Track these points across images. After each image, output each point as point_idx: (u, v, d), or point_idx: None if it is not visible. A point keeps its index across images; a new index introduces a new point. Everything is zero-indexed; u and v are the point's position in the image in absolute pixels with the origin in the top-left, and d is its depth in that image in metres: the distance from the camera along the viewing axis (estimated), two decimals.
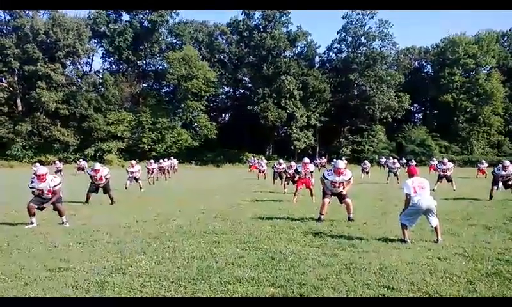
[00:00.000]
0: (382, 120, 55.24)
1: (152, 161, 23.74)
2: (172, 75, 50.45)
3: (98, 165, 12.71)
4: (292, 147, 52.17)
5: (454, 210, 10.18)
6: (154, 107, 52.67)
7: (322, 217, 8.68)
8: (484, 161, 28.96)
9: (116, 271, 5.09)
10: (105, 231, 7.67)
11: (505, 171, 12.61)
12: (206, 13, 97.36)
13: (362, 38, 54.23)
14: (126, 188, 16.54)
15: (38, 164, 25.10)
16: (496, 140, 55.51)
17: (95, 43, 56.22)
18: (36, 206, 8.31)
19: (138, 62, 57.83)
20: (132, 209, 10.94)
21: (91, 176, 12.54)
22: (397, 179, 20.96)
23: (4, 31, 50.17)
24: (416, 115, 66.22)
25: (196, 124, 54.33)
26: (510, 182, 12.68)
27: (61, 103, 48.74)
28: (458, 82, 53.62)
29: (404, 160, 33.41)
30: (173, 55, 51.02)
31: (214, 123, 54.35)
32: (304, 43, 56.55)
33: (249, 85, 58.81)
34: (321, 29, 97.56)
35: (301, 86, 51.86)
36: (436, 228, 6.61)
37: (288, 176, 15.20)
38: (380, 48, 54.47)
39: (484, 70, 55.58)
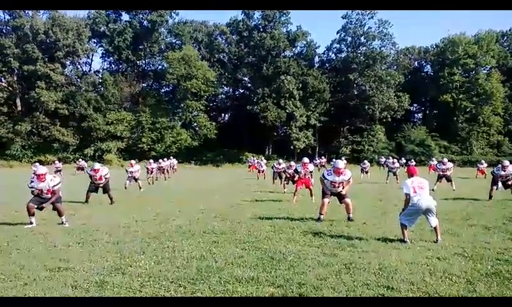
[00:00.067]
0: (382, 120, 55.26)
1: (152, 161, 23.74)
2: (172, 74, 50.44)
3: (97, 165, 12.71)
4: (292, 147, 52.18)
5: (454, 210, 10.19)
6: (154, 106, 52.67)
7: (321, 217, 8.68)
8: (483, 161, 28.99)
9: (115, 271, 5.08)
10: (104, 231, 7.67)
11: (504, 171, 12.61)
12: (206, 13, 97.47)
13: (362, 38, 54.24)
14: (125, 188, 16.53)
15: (37, 163, 25.10)
16: (496, 140, 55.54)
17: (94, 43, 56.26)
18: (36, 206, 8.30)
19: (138, 62, 57.83)
20: (132, 209, 10.93)
21: (90, 176, 12.54)
22: (397, 179, 20.97)
23: (3, 30, 50.14)
24: (415, 115, 66.31)
25: (195, 124, 54.34)
26: (509, 182, 12.68)
27: (61, 103, 48.73)
28: (458, 82, 53.65)
29: (404, 160, 33.40)
30: (173, 55, 51.01)
31: (214, 123, 54.34)
32: (304, 43, 56.57)
33: (249, 85, 58.83)
34: (321, 29, 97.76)
35: (300, 85, 51.86)
36: (435, 228, 6.61)
37: (288, 176, 15.20)
38: (380, 48, 54.50)
39: (484, 70, 55.61)
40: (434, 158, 35.25)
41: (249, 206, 11.55)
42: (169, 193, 15.87)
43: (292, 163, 15.49)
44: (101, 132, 50.22)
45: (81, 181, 18.77)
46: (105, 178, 12.40)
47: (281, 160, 20.24)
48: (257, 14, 54.25)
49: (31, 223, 8.23)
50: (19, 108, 50.35)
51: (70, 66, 54.38)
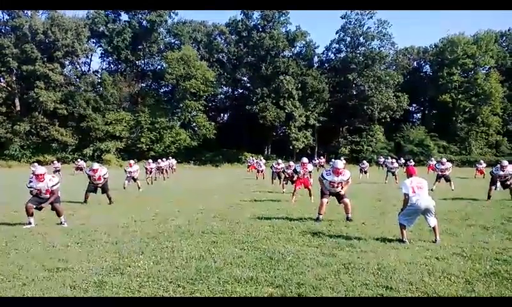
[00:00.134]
0: (380, 120, 55.29)
1: (151, 161, 23.71)
2: (171, 74, 50.39)
3: (96, 165, 12.69)
4: (291, 147, 52.20)
5: (453, 210, 10.20)
6: (153, 106, 52.63)
7: (320, 217, 8.69)
8: (482, 161, 29.03)
9: (114, 271, 5.08)
10: (103, 231, 7.67)
11: (503, 171, 12.61)
12: (205, 13, 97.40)
13: (361, 38, 54.27)
14: (124, 188, 16.53)
15: (36, 164, 25.04)
16: (495, 140, 55.60)
17: (93, 42, 56.20)
18: (34, 206, 8.29)
19: (137, 62, 57.78)
20: (131, 209, 10.93)
21: (89, 176, 12.52)
22: (396, 179, 20.99)
23: (2, 30, 50.04)
24: (414, 115, 66.42)
25: (194, 124, 54.30)
26: (508, 182, 12.68)
27: (60, 103, 48.68)
28: (457, 82, 53.72)
29: (403, 160, 33.44)
30: (172, 55, 50.98)
31: (213, 123, 54.31)
32: (303, 43, 56.58)
33: (248, 85, 58.84)
34: (320, 29, 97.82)
35: (299, 85, 51.88)
36: (434, 228, 6.62)
37: (287, 176, 15.19)
38: (379, 48, 54.55)
39: (483, 70, 55.71)
40: (433, 158, 35.30)
41: (248, 206, 11.55)
42: (168, 193, 15.87)
43: (291, 163, 15.49)
44: (100, 132, 50.17)
45: (80, 181, 18.78)
46: (104, 178, 12.39)
47: (280, 160, 20.25)
48: (256, 14, 54.30)
49: (30, 223, 8.21)
50: (18, 108, 50.29)
51: (69, 66, 54.32)
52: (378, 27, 53.73)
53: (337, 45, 56.65)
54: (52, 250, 6.28)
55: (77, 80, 53.89)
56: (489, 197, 12.54)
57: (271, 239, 6.91)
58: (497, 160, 20.92)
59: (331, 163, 14.89)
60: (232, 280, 4.67)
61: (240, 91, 62.42)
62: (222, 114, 66.92)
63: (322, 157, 43.89)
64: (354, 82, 56.27)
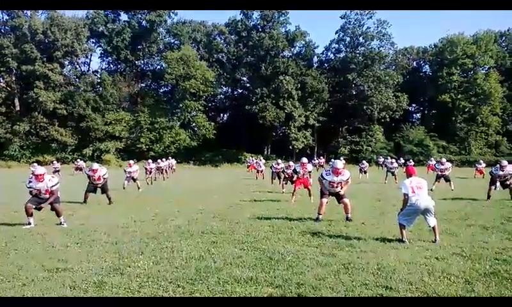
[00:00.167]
0: (380, 120, 55.30)
1: (150, 161, 23.69)
2: (170, 75, 50.37)
3: (96, 165, 12.68)
4: (290, 147, 52.21)
5: (452, 210, 10.20)
6: (152, 107, 52.61)
7: (320, 217, 8.69)
8: (481, 161, 29.05)
9: (114, 271, 5.08)
10: (103, 231, 7.66)
11: (502, 171, 12.62)
12: (204, 13, 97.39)
13: (360, 38, 54.28)
14: (124, 188, 16.52)
15: (35, 164, 25.03)
16: (494, 140, 55.60)
17: (93, 42, 56.18)
18: (34, 207, 8.28)
19: (136, 62, 57.74)
20: (130, 209, 10.92)
21: (89, 176, 12.52)
22: (395, 179, 20.99)
23: (2, 30, 50.04)
24: (414, 115, 66.41)
25: (194, 124, 54.29)
26: (507, 182, 12.69)
27: (59, 103, 48.65)
28: (456, 82, 53.74)
29: (402, 160, 33.41)
30: (171, 55, 50.97)
31: (212, 123, 54.30)
32: (303, 43, 56.59)
33: (248, 85, 58.84)
34: (319, 29, 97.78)
35: (299, 85, 51.89)
36: (434, 228, 6.62)
37: (287, 176, 15.19)
38: (378, 48, 54.57)
39: (482, 70, 55.71)
40: (432, 158, 35.30)
41: (248, 206, 11.55)
42: (167, 193, 15.86)
43: (291, 163, 15.48)
44: (99, 132, 50.16)
45: (79, 181, 18.77)
46: (104, 179, 12.39)
47: (279, 160, 20.24)
48: (256, 14, 54.29)
49: (29, 223, 8.21)
50: (17, 108, 50.27)
51: (69, 66, 54.30)
52: (378, 27, 53.77)
53: (337, 45, 56.68)
54: (51, 250, 6.27)
55: (77, 80, 53.88)
56: (488, 197, 12.55)
57: (270, 239, 6.91)
58: (497, 160, 20.94)
59: (330, 163, 14.87)
60: (232, 280, 4.67)
61: (240, 91, 62.42)
62: (222, 114, 66.94)
63: (321, 157, 43.86)
64: (354, 82, 56.29)
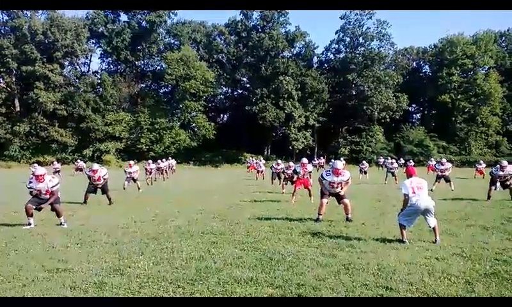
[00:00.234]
0: (380, 120, 55.30)
1: (150, 161, 23.66)
2: (170, 75, 50.38)
3: (96, 166, 12.68)
4: (291, 147, 52.22)
5: (452, 211, 10.20)
6: (152, 107, 52.62)
7: (320, 217, 8.69)
8: (482, 161, 29.04)
9: (114, 272, 5.08)
10: (103, 231, 7.66)
11: (502, 171, 12.61)
12: (204, 14, 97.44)
13: (360, 39, 54.28)
14: (124, 188, 16.53)
15: (36, 164, 25.05)
16: (494, 140, 55.63)
17: (93, 43, 56.16)
18: (34, 207, 8.28)
19: (136, 62, 57.73)
20: (130, 210, 10.92)
21: (89, 177, 12.52)
22: (395, 179, 20.98)
23: (2, 31, 50.04)
24: (414, 115, 66.43)
25: (194, 124, 54.30)
26: (508, 182, 12.69)
27: (59, 104, 48.63)
28: (456, 82, 53.76)
29: (402, 161, 33.45)
30: (171, 55, 50.99)
31: (213, 124, 54.29)
32: (303, 43, 56.60)
33: (248, 85, 58.84)
34: (319, 29, 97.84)
35: (299, 86, 51.89)
36: (434, 228, 6.62)
37: (287, 176, 15.20)
38: (378, 48, 54.56)
39: (482, 70, 55.75)
40: (432, 159, 35.30)
41: (248, 206, 11.55)
42: (167, 194, 15.86)
43: (291, 163, 15.50)
44: (100, 133, 50.17)
45: (80, 182, 18.77)
46: (104, 179, 12.39)
47: (279, 161, 20.27)
48: (256, 14, 54.31)
49: (30, 224, 8.21)
50: (17, 109, 50.27)
51: (69, 67, 54.31)
52: (377, 27, 53.77)
53: (336, 46, 56.67)
54: (51, 251, 6.27)
55: (77, 80, 53.84)
56: (489, 197, 12.55)
57: (270, 240, 6.91)
58: (497, 161, 20.91)
59: (330, 163, 14.89)
60: (232, 281, 4.67)
61: (240, 91, 62.43)
62: (222, 115, 66.94)
63: (321, 158, 43.88)
64: (354, 82, 56.31)
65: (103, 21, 53.89)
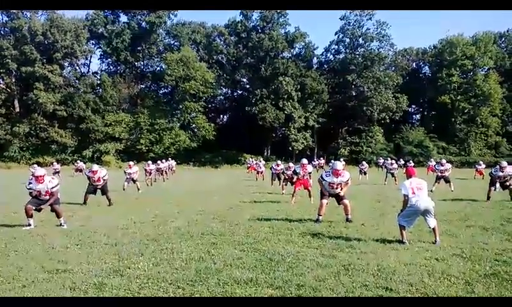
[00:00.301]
0: (380, 121, 55.32)
1: (150, 162, 23.66)
2: (170, 76, 50.43)
3: (96, 167, 12.69)
4: (290, 148, 52.22)
5: (452, 211, 10.20)
6: (152, 108, 52.65)
7: (320, 218, 8.69)
8: (481, 162, 29.06)
9: (114, 273, 5.08)
10: (103, 232, 7.66)
11: (502, 172, 12.62)
12: (204, 14, 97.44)
13: (360, 39, 54.29)
14: (124, 189, 16.53)
15: (35, 165, 25.05)
16: (494, 141, 55.65)
17: (92, 44, 56.22)
18: (34, 208, 8.28)
19: (136, 63, 57.79)
20: (130, 210, 10.92)
21: (89, 178, 12.51)
22: (395, 180, 20.99)
23: (1, 32, 50.09)
24: (414, 116, 66.43)
25: (194, 125, 54.32)
26: (507, 183, 12.70)
27: (59, 105, 48.68)
28: (456, 83, 53.79)
29: (402, 161, 33.47)
30: (171, 56, 51.02)
31: (212, 124, 54.35)
32: (302, 44, 56.65)
33: (247, 86, 58.88)
34: (319, 30, 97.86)
35: (299, 87, 51.92)
36: (434, 229, 6.62)
37: (287, 177, 15.20)
38: (378, 49, 54.58)
39: (482, 71, 55.82)
40: (432, 159, 35.32)
41: (248, 207, 11.55)
42: (167, 194, 15.85)
43: (291, 164, 15.51)
44: (99, 134, 50.20)
45: (79, 182, 18.76)
46: (104, 180, 12.38)
47: (279, 162, 20.30)
48: (255, 15, 54.39)
49: (29, 225, 8.20)
50: (17, 109, 50.30)
51: (68, 68, 54.38)
52: (377, 28, 53.81)
53: (336, 46, 56.70)
54: (51, 251, 6.27)
55: (77, 81, 53.90)
56: (488, 198, 12.56)
57: (270, 240, 6.90)
58: (496, 161, 20.92)
59: (330, 164, 14.88)
60: (232, 281, 4.67)
61: (240, 92, 62.48)
62: (221, 116, 66.97)
63: (321, 158, 43.93)
64: (354, 83, 56.31)
65: (103, 22, 53.94)
